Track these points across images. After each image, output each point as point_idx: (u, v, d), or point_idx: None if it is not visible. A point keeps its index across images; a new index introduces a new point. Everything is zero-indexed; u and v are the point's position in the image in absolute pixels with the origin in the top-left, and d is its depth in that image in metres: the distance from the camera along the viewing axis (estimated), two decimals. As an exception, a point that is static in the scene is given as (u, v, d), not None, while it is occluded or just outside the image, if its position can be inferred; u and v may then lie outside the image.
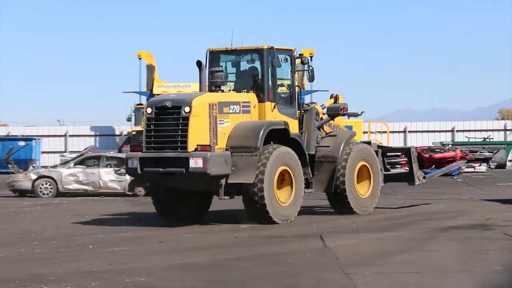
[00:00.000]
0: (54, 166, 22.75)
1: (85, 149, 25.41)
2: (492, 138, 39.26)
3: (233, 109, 13.48)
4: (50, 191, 21.56)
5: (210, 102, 13.16)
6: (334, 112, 15.40)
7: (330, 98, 15.97)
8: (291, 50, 14.46)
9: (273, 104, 14.01)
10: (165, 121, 13.16)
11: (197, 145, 12.80)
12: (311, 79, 14.85)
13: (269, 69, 13.98)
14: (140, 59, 44.57)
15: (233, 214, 15.45)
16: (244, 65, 14.54)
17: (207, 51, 14.25)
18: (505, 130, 41.99)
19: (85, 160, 22.52)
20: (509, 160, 37.75)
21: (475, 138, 39.85)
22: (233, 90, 14.28)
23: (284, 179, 13.71)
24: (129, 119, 36.92)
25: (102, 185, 21.65)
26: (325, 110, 15.49)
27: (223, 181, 12.96)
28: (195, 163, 12.63)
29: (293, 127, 14.33)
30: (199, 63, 13.72)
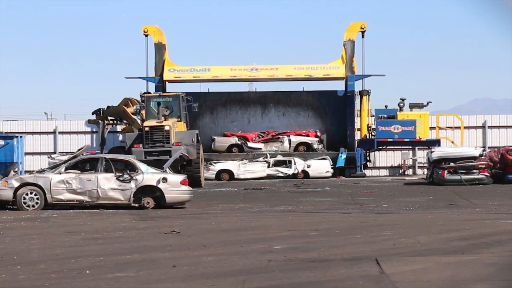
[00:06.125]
0: (41, 171, 23.05)
1: (79, 149, 25.68)
2: None
3: None
4: (37, 202, 21.87)
5: None
6: None
7: None
8: None
9: None
10: None
11: None
12: None
13: None
14: (146, 36, 44.94)
15: (264, 227, 15.45)
16: None
17: None
18: None
19: (80, 163, 22.80)
20: None
21: None
22: None
23: None
24: (136, 112, 36.99)
25: (100, 195, 21.90)
26: None
27: None
28: None
29: None
30: None
